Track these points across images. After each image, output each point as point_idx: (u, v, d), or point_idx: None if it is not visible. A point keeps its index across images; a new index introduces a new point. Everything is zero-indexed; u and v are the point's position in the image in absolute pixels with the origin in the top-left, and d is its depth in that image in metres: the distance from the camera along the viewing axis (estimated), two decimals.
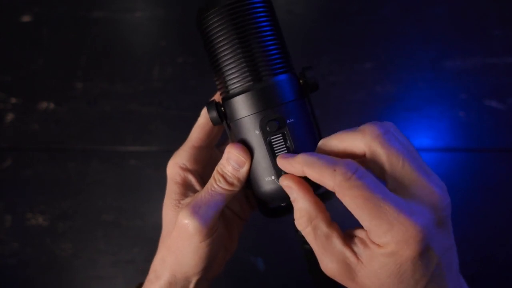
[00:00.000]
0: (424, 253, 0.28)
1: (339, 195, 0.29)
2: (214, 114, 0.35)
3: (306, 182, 0.32)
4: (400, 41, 0.64)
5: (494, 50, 0.62)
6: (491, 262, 0.56)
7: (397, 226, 0.27)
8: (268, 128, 0.34)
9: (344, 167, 0.29)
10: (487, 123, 0.60)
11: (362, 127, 0.31)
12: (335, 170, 0.29)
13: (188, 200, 0.38)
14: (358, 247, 0.30)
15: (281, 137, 0.34)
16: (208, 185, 0.37)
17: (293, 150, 0.34)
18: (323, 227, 0.31)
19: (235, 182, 0.36)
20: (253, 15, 0.34)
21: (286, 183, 0.32)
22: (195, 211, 0.35)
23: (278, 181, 0.34)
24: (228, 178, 0.36)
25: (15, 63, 0.65)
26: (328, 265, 0.31)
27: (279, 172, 0.34)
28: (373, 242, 0.29)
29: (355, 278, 0.30)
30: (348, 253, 0.30)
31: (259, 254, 0.58)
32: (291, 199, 0.32)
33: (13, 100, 0.64)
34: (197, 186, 0.39)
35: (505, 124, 0.60)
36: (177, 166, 0.40)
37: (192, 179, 0.39)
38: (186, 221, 0.35)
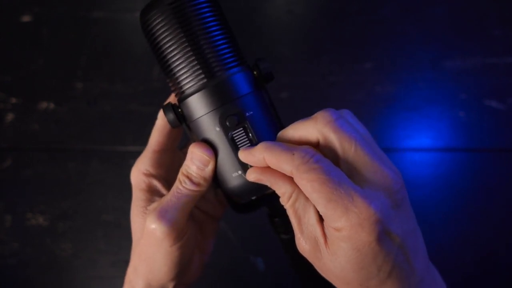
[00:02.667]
0: (382, 236, 0.28)
1: (297, 179, 0.29)
2: (172, 116, 0.35)
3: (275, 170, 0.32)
4: (400, 41, 0.64)
5: (494, 50, 0.62)
6: (491, 262, 0.56)
7: (352, 210, 0.27)
8: (228, 124, 0.33)
9: (302, 151, 0.29)
10: (487, 123, 0.60)
11: (315, 114, 0.31)
12: (293, 154, 0.29)
13: (154, 205, 0.37)
14: (328, 229, 0.30)
15: (243, 131, 0.33)
16: (173, 188, 0.36)
17: (256, 143, 0.33)
18: (301, 201, 0.31)
19: (201, 182, 0.35)
20: (197, 11, 0.33)
21: (253, 176, 0.32)
22: (162, 215, 0.35)
23: (245, 175, 0.34)
24: (193, 178, 0.35)
25: (15, 63, 0.65)
26: (301, 241, 0.31)
27: (245, 166, 0.34)
28: (331, 227, 0.29)
29: (321, 259, 0.31)
30: (318, 232, 0.30)
31: (259, 254, 0.58)
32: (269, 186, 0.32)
33: (13, 100, 0.64)
34: (162, 190, 0.39)
35: (505, 124, 0.60)
36: (140, 172, 0.39)
37: (157, 184, 0.39)
38: (154, 226, 0.35)
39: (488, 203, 0.58)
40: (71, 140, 0.62)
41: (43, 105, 0.64)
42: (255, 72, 0.35)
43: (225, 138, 0.34)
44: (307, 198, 0.31)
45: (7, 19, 0.67)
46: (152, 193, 0.39)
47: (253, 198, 0.36)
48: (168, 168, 0.40)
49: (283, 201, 0.32)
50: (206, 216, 0.42)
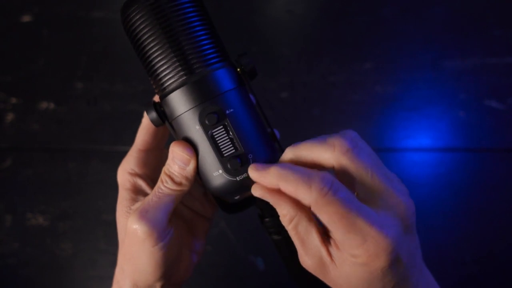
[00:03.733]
0: (394, 262, 0.29)
1: (315, 210, 0.29)
2: (154, 115, 0.34)
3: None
4: (400, 41, 0.64)
5: (494, 50, 0.62)
6: (491, 261, 0.56)
7: (369, 240, 0.28)
8: (207, 122, 0.32)
9: (320, 183, 0.29)
10: (487, 123, 0.60)
11: (330, 140, 0.31)
12: (310, 187, 0.29)
13: (137, 205, 0.37)
14: (333, 249, 0.31)
15: (223, 129, 0.33)
16: (155, 188, 0.36)
17: (237, 141, 0.33)
18: (303, 223, 0.31)
19: (183, 181, 0.35)
20: (177, 7, 0.33)
21: (259, 193, 0.32)
22: (143, 215, 0.34)
23: (226, 175, 0.33)
24: (175, 178, 0.35)
25: (15, 63, 0.65)
26: (305, 260, 0.32)
27: (225, 166, 0.33)
28: (347, 252, 0.30)
29: (328, 275, 0.31)
30: (323, 252, 0.31)
31: (259, 254, 0.58)
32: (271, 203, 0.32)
33: (13, 100, 0.64)
34: (147, 190, 0.38)
35: (505, 124, 0.60)
36: (125, 172, 0.39)
37: (142, 183, 0.39)
38: (135, 226, 0.34)
39: (488, 203, 0.58)
40: (71, 140, 0.62)
41: (43, 105, 0.64)
42: (238, 69, 0.34)
43: (205, 137, 0.33)
44: (309, 220, 0.31)
45: (7, 19, 0.67)
46: (137, 193, 0.38)
47: (237, 198, 0.35)
48: (154, 167, 0.40)
49: (284, 222, 0.32)
50: (195, 215, 0.42)
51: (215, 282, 0.58)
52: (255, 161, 0.33)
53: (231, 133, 0.33)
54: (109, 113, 0.63)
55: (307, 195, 0.29)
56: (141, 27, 0.33)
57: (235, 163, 0.33)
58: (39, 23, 0.66)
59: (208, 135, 0.33)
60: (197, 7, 0.34)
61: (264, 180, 0.31)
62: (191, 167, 0.34)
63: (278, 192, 0.31)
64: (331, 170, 0.31)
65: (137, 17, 0.33)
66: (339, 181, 0.30)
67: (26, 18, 0.67)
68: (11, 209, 0.61)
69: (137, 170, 0.39)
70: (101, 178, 0.61)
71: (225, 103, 0.33)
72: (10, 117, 0.63)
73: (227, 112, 0.33)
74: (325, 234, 0.32)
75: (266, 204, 0.33)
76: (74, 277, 0.58)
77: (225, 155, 0.33)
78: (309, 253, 0.32)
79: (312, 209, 0.30)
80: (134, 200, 0.38)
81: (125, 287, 0.38)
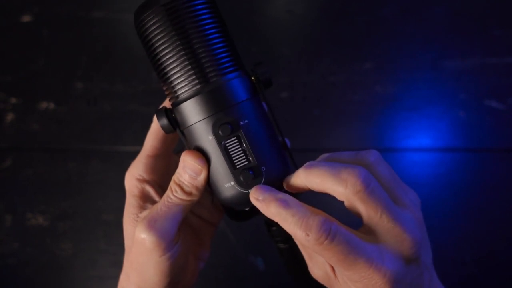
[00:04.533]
0: None
1: (314, 251, 0.30)
2: (165, 122, 0.33)
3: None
4: (400, 41, 0.64)
5: (494, 50, 0.62)
6: (491, 262, 0.56)
7: (367, 279, 0.29)
8: (221, 133, 0.32)
9: (317, 232, 0.29)
10: (487, 123, 0.60)
11: (344, 174, 0.30)
12: (308, 235, 0.29)
13: (145, 213, 0.36)
14: (339, 272, 0.31)
15: (236, 140, 0.32)
16: (164, 197, 0.35)
17: (250, 153, 0.32)
18: None
19: (193, 191, 0.34)
20: (193, 13, 0.32)
21: (266, 214, 0.33)
22: (151, 225, 0.34)
23: (237, 187, 0.33)
24: (185, 187, 0.34)
25: (15, 63, 0.65)
26: (314, 271, 0.33)
27: (237, 177, 0.33)
28: (348, 281, 0.31)
29: (333, 286, 0.33)
30: (328, 268, 0.32)
31: (259, 254, 0.58)
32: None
33: (13, 100, 0.64)
34: (156, 197, 0.38)
35: (505, 124, 0.60)
36: (133, 178, 0.38)
37: (150, 190, 0.38)
38: (143, 236, 0.34)
39: (488, 203, 0.58)
40: (71, 140, 0.62)
41: (43, 105, 0.64)
42: (253, 78, 0.34)
43: (218, 147, 0.32)
44: None
45: (7, 19, 0.67)
46: (145, 200, 0.38)
47: (247, 209, 0.35)
48: (163, 173, 0.39)
49: (294, 237, 0.32)
50: (202, 222, 0.41)
51: (215, 282, 0.58)
52: (268, 174, 0.33)
53: (244, 145, 0.32)
54: (109, 113, 0.63)
55: (304, 241, 0.29)
56: (156, 32, 0.32)
57: (248, 176, 0.32)
58: (39, 23, 0.66)
59: (221, 146, 0.32)
60: (214, 13, 0.33)
61: (264, 212, 0.31)
62: (202, 177, 0.33)
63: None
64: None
65: (152, 22, 0.32)
66: (339, 224, 0.30)
67: (26, 18, 0.67)
68: (11, 209, 0.61)
69: (145, 176, 0.38)
70: (101, 178, 0.61)
71: (239, 114, 0.32)
72: (10, 117, 0.63)
73: (241, 123, 0.32)
74: None
75: None
76: (74, 277, 0.58)
77: (237, 166, 0.33)
78: (316, 266, 0.33)
79: (312, 250, 0.30)
80: (142, 208, 0.37)
81: None
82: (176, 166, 0.36)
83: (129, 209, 0.38)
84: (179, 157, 0.40)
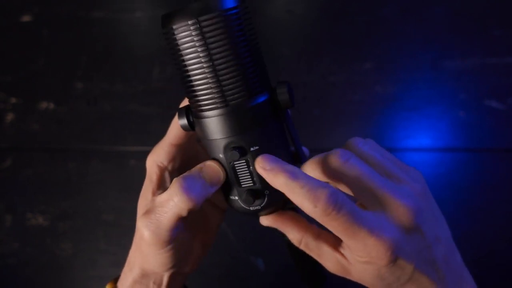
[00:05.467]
0: (395, 261, 0.31)
1: (320, 222, 0.31)
2: (185, 122, 0.34)
3: (284, 216, 0.36)
4: (400, 41, 0.64)
5: (494, 50, 0.62)
6: (491, 262, 0.56)
7: (370, 246, 0.30)
8: (230, 156, 0.33)
9: (325, 203, 0.30)
10: (487, 123, 0.60)
11: (328, 157, 0.32)
12: (316, 206, 0.30)
13: (150, 205, 0.36)
14: (346, 251, 0.34)
15: (245, 163, 0.33)
16: (167, 195, 0.35)
17: (256, 177, 0.33)
18: (312, 242, 0.35)
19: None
20: (226, 34, 0.31)
21: (266, 223, 0.36)
22: (150, 222, 0.34)
23: (240, 202, 0.34)
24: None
25: (15, 63, 0.65)
26: (327, 265, 0.35)
27: (241, 195, 0.34)
28: (353, 254, 0.32)
29: (350, 273, 0.34)
30: (339, 257, 0.34)
31: (259, 254, 0.58)
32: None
33: (13, 100, 0.64)
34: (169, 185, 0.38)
35: (505, 124, 0.60)
36: (155, 164, 0.39)
37: (167, 177, 0.39)
38: (142, 230, 0.34)
39: (488, 203, 0.58)
40: (71, 140, 0.62)
41: (43, 105, 0.64)
42: (274, 98, 0.33)
43: (227, 165, 0.34)
44: (316, 238, 0.35)
45: (7, 19, 0.67)
46: (160, 187, 0.38)
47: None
48: (183, 161, 0.40)
49: (294, 243, 0.35)
50: (211, 205, 0.42)
51: (215, 282, 0.58)
52: (270, 197, 0.34)
53: (251, 168, 0.33)
54: (109, 113, 0.63)
55: (312, 212, 0.30)
56: (187, 45, 0.31)
57: (250, 196, 0.34)
58: (39, 23, 0.66)
59: (230, 166, 0.34)
60: (248, 31, 0.32)
61: (271, 183, 0.32)
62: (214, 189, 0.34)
63: (283, 220, 0.35)
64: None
65: (184, 34, 0.31)
66: (345, 195, 0.31)
67: (26, 18, 0.67)
68: (11, 209, 0.60)
69: (166, 163, 0.39)
70: (101, 178, 0.61)
71: (251, 140, 0.33)
72: (10, 117, 0.63)
73: (251, 149, 0.33)
74: (335, 239, 0.35)
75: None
76: (74, 277, 0.58)
77: (242, 185, 0.34)
78: (327, 260, 0.35)
79: (317, 220, 0.31)
80: (155, 194, 0.38)
81: (134, 269, 0.39)
82: (196, 153, 0.39)
83: (144, 194, 0.39)
84: (200, 145, 0.41)
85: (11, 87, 0.64)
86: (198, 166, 0.34)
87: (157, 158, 0.39)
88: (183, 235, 0.37)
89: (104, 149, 0.62)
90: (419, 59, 0.63)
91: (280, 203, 0.35)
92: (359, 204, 0.34)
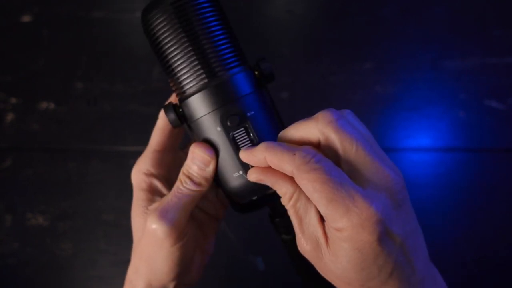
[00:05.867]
0: (383, 236, 0.28)
1: (298, 179, 0.29)
2: (173, 116, 0.35)
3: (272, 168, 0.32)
4: (400, 41, 0.64)
5: (494, 50, 0.62)
6: (491, 262, 0.56)
7: (353, 210, 0.27)
8: (229, 124, 0.33)
9: (303, 152, 0.29)
10: (487, 123, 0.60)
11: (317, 114, 0.31)
12: (294, 154, 0.29)
13: (155, 205, 0.37)
14: (329, 229, 0.29)
15: (244, 131, 0.34)
16: (174, 188, 0.36)
17: (257, 143, 0.33)
18: (302, 200, 0.31)
19: (203, 182, 0.35)
20: (199, 11, 0.33)
21: (254, 176, 0.32)
22: (163, 215, 0.35)
23: (246, 176, 0.34)
24: (194, 178, 0.35)
25: (15, 63, 0.65)
26: (302, 243, 0.31)
27: (246, 167, 0.34)
28: (332, 227, 0.29)
29: (322, 259, 0.30)
30: (319, 233, 0.30)
31: (259, 254, 0.58)
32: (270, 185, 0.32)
33: (13, 100, 0.64)
34: (163, 190, 0.39)
35: (505, 124, 0.60)
36: (141, 172, 0.39)
37: (158, 184, 0.39)
38: (155, 226, 0.35)
39: (488, 203, 0.58)
40: (71, 140, 0.62)
41: (43, 105, 0.64)
42: (256, 72, 0.35)
43: (226, 138, 0.34)
44: (308, 199, 0.30)
45: (7, 19, 0.67)
46: (153, 193, 0.39)
47: (254, 198, 0.36)
48: (169, 167, 0.40)
49: (284, 201, 0.32)
50: (207, 216, 0.42)
51: (215, 282, 0.58)
52: None
53: (251, 135, 0.34)
54: (109, 113, 0.63)
55: (290, 163, 0.29)
56: (163, 30, 0.34)
57: None
58: (39, 23, 0.66)
59: (230, 137, 0.34)
60: (218, 10, 0.35)
61: (254, 158, 0.31)
62: (211, 168, 0.35)
63: (273, 171, 0.31)
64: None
65: (160, 20, 0.33)
66: (325, 156, 0.29)
67: (26, 18, 0.67)
68: (11, 209, 0.61)
69: (152, 170, 0.39)
70: (101, 178, 0.61)
71: (246, 106, 0.34)
72: (10, 117, 0.63)
73: (248, 114, 0.33)
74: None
75: (277, 203, 0.33)
76: (74, 277, 0.58)
77: None
78: (306, 234, 0.31)
79: (295, 178, 0.29)
80: (151, 201, 0.38)
81: (138, 286, 0.38)
82: (181, 161, 0.37)
83: (137, 203, 0.39)
84: (184, 152, 0.41)
85: (11, 87, 0.64)
86: (189, 154, 0.35)
87: (142, 166, 0.39)
88: (188, 239, 0.37)
89: (104, 149, 0.62)
90: (419, 59, 0.63)
91: None
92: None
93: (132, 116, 0.62)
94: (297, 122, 0.32)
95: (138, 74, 0.64)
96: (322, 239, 0.30)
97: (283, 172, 0.30)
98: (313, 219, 0.30)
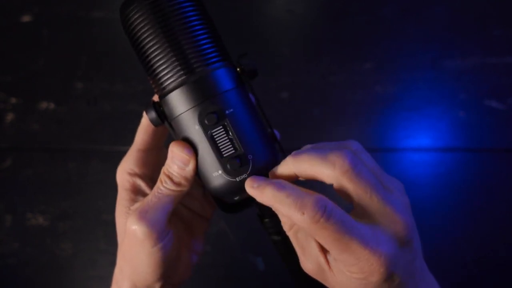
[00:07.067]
0: (388, 278, 0.30)
1: (309, 233, 0.30)
2: (153, 114, 0.34)
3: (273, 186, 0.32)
4: (400, 41, 0.64)
5: (494, 50, 0.62)
6: (491, 262, 0.56)
7: (363, 261, 0.29)
8: (207, 122, 0.32)
9: (312, 210, 0.29)
10: (487, 123, 0.60)
11: (331, 156, 0.30)
12: (303, 213, 0.29)
13: (136, 205, 0.37)
14: (331, 258, 0.31)
15: (223, 129, 0.32)
16: (155, 188, 0.35)
17: (236, 142, 0.32)
18: (303, 231, 0.32)
19: (182, 181, 0.35)
20: (176, 6, 0.32)
21: (251, 191, 0.32)
22: (142, 215, 0.34)
23: (225, 176, 0.33)
24: (174, 178, 0.34)
25: (15, 63, 0.65)
26: (306, 264, 0.33)
27: (225, 166, 0.33)
28: (342, 267, 0.30)
29: (327, 280, 0.32)
30: (321, 259, 0.32)
31: (259, 254, 0.58)
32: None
33: (13, 100, 0.64)
34: (147, 190, 0.38)
35: (505, 124, 0.60)
36: (124, 172, 0.39)
37: (141, 183, 0.38)
38: (134, 227, 0.34)
39: (488, 203, 0.58)
40: (71, 140, 0.62)
41: (43, 105, 0.64)
42: (238, 69, 0.34)
43: (204, 137, 0.33)
44: None
45: (7, 19, 0.67)
46: (136, 193, 0.38)
47: (236, 198, 0.35)
48: (154, 167, 0.40)
49: (284, 227, 0.32)
50: (194, 215, 0.42)
51: (215, 282, 0.58)
52: (255, 162, 0.33)
53: (230, 134, 0.33)
54: (109, 113, 0.63)
55: (300, 220, 0.29)
56: (140, 26, 0.33)
57: (235, 164, 0.32)
58: (39, 23, 0.66)
59: (208, 135, 0.33)
60: (197, 6, 0.34)
61: (260, 199, 0.31)
62: (190, 167, 0.34)
63: (274, 194, 0.31)
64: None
65: (136, 16, 0.33)
66: (334, 204, 0.29)
67: (26, 18, 0.67)
68: (11, 209, 0.61)
69: (136, 170, 0.39)
70: (101, 178, 0.61)
71: (225, 103, 0.33)
72: (10, 117, 0.63)
73: (227, 112, 0.32)
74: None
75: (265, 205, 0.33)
76: (74, 277, 0.58)
77: (224, 155, 0.33)
78: (309, 259, 0.32)
79: (306, 231, 0.30)
80: (134, 200, 0.38)
81: (123, 287, 0.38)
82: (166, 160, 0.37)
83: (120, 203, 0.38)
84: None
85: (11, 87, 0.64)
86: (169, 153, 0.34)
87: (126, 166, 0.39)
88: (171, 239, 0.36)
89: (104, 149, 0.62)
90: (419, 59, 0.63)
91: (266, 170, 0.34)
92: (352, 214, 0.32)
93: (132, 116, 0.62)
94: (311, 155, 0.31)
95: (138, 74, 0.64)
96: (325, 266, 0.32)
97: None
98: (314, 249, 0.32)
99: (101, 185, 0.61)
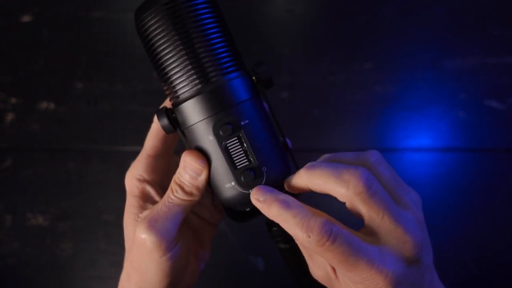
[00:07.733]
0: None
1: (315, 253, 0.30)
2: (166, 122, 0.33)
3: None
4: (400, 41, 0.64)
5: (494, 50, 0.62)
6: (491, 262, 0.56)
7: (369, 280, 0.29)
8: (221, 133, 0.32)
9: (318, 233, 0.29)
10: (487, 123, 0.60)
11: (346, 175, 0.30)
12: (309, 236, 0.29)
13: (146, 213, 0.36)
14: (338, 269, 0.31)
15: (237, 141, 0.32)
16: (165, 197, 0.35)
17: (251, 154, 0.32)
18: None
19: (194, 191, 0.34)
20: (194, 13, 0.32)
21: (257, 204, 0.32)
22: (152, 225, 0.34)
23: (238, 187, 0.32)
24: (186, 187, 0.34)
25: (15, 63, 0.65)
26: (314, 271, 0.33)
27: (238, 178, 0.32)
28: (349, 282, 0.31)
29: (334, 286, 0.33)
30: (329, 268, 0.32)
31: (259, 254, 0.58)
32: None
33: (13, 100, 0.64)
34: (156, 197, 0.38)
35: (505, 124, 0.60)
36: (133, 178, 0.38)
37: (150, 190, 0.38)
38: (143, 236, 0.34)
39: (488, 203, 0.58)
40: (71, 140, 0.62)
41: (43, 105, 0.64)
42: (253, 78, 0.34)
43: (218, 148, 0.32)
44: None
45: (7, 19, 0.67)
46: (145, 200, 0.38)
47: (248, 209, 0.35)
48: (163, 173, 0.39)
49: (294, 238, 0.32)
50: (203, 222, 0.41)
51: (215, 282, 0.58)
52: (269, 174, 0.33)
53: (245, 145, 0.32)
54: (109, 113, 0.63)
55: (305, 242, 0.29)
56: (156, 32, 0.32)
57: (249, 176, 0.32)
58: (39, 23, 0.66)
59: (222, 146, 0.32)
60: (214, 12, 0.33)
61: (265, 213, 0.31)
62: (202, 177, 0.33)
63: (280, 209, 0.31)
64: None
65: (152, 22, 0.32)
66: (341, 225, 0.29)
67: (26, 18, 0.67)
68: (11, 209, 0.61)
69: (145, 176, 0.38)
70: (101, 178, 0.61)
71: (240, 114, 0.32)
72: (10, 117, 0.63)
73: (242, 123, 0.32)
74: None
75: None
76: (74, 277, 0.58)
77: (238, 167, 0.32)
78: (317, 266, 0.33)
79: (313, 251, 0.30)
80: (143, 208, 0.37)
81: None
82: (176, 166, 0.36)
83: (129, 209, 0.38)
84: (179, 157, 0.40)
85: (11, 87, 0.64)
86: (181, 162, 0.34)
87: (136, 171, 0.38)
88: (180, 248, 0.36)
89: (104, 149, 0.62)
90: (419, 59, 0.63)
91: (279, 182, 0.33)
92: (362, 232, 0.31)
93: (132, 116, 0.62)
94: (325, 171, 0.31)
95: (138, 74, 0.64)
96: (332, 275, 0.32)
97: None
98: (321, 259, 0.32)
99: (101, 185, 0.61)
